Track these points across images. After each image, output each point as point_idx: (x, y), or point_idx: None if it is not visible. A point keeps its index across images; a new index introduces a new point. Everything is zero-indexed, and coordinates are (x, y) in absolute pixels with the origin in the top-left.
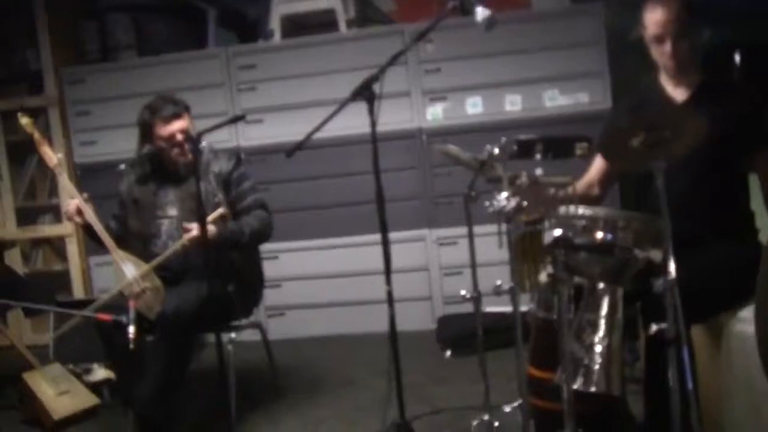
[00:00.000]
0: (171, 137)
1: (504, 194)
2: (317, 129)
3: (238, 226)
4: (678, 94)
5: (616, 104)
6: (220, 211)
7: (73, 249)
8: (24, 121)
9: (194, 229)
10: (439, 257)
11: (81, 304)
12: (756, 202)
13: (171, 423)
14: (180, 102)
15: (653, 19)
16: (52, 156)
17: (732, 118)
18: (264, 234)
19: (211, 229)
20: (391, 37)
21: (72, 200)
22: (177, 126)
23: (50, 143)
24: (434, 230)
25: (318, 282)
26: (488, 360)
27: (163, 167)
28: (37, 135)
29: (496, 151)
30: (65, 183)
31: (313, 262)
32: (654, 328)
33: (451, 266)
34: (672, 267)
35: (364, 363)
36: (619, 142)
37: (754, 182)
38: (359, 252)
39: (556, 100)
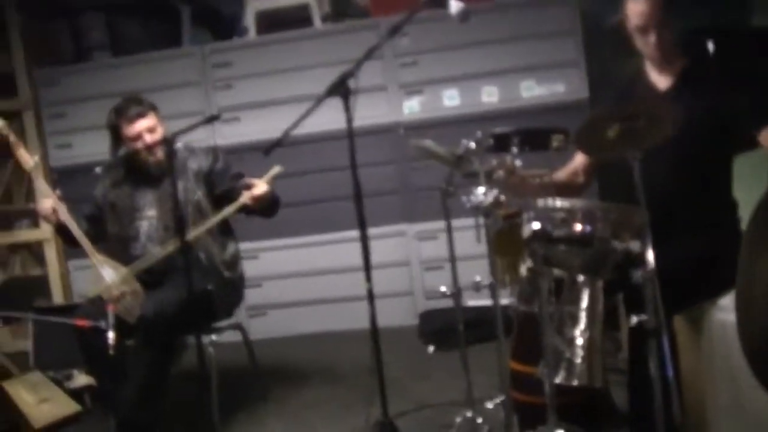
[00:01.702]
0: (137, 137)
1: (481, 189)
2: (293, 126)
3: None
4: (661, 81)
5: (603, 92)
6: (278, 169)
7: (51, 254)
8: None
9: (259, 185)
10: (420, 252)
11: (60, 310)
12: (739, 192)
13: (154, 427)
14: (145, 101)
15: (636, 9)
16: (29, 159)
17: (715, 104)
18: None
19: (267, 188)
20: (367, 32)
21: (45, 199)
22: (142, 125)
23: (26, 147)
24: (414, 225)
25: (299, 280)
26: (472, 354)
27: (138, 169)
28: (12, 138)
29: (473, 145)
30: (41, 186)
31: (294, 260)
32: (634, 319)
33: (431, 260)
34: (650, 258)
35: (348, 360)
36: (594, 132)
37: (739, 169)
38: (340, 248)
39: (532, 91)
